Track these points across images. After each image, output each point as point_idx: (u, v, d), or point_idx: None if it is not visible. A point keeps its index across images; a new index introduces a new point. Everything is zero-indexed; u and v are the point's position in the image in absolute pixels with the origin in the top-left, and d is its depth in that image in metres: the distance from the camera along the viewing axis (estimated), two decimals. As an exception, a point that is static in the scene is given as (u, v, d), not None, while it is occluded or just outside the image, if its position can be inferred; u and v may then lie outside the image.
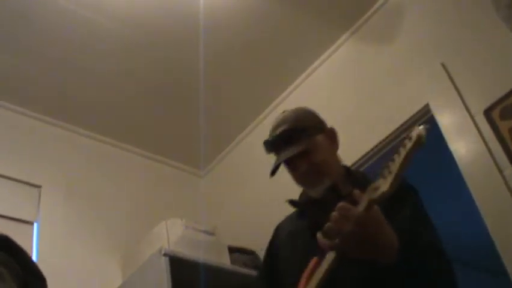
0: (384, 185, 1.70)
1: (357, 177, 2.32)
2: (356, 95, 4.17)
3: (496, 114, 3.21)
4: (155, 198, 4.80)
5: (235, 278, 4.00)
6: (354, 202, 1.76)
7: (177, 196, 4.99)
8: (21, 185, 4.04)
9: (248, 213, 4.55)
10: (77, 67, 4.22)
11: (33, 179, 4.12)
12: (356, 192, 1.76)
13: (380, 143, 3.86)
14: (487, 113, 3.25)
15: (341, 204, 1.75)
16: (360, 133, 3.97)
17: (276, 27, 4.23)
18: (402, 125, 3.77)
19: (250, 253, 4.29)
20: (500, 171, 3.10)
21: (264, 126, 4.80)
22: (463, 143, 3.33)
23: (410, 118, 3.72)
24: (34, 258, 3.72)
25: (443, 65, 3.58)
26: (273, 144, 2.39)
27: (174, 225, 4.00)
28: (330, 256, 1.81)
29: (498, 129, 3.18)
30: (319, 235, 1.80)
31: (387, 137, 3.83)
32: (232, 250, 4.22)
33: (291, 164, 2.35)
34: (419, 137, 1.74)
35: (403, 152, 1.72)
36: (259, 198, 4.36)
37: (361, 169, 3.91)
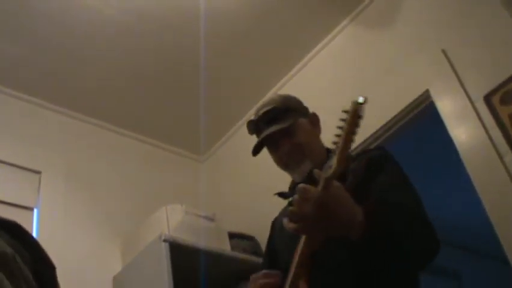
0: (334, 162, 1.70)
1: None
2: (355, 81, 4.16)
3: (496, 99, 3.21)
4: (155, 184, 4.80)
5: (235, 263, 4.01)
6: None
7: (177, 182, 4.99)
8: (21, 170, 4.04)
9: (248, 199, 4.56)
10: (78, 53, 4.22)
11: (33, 165, 4.12)
12: (316, 171, 1.75)
13: (380, 128, 3.85)
14: (487, 98, 3.25)
15: (299, 186, 1.75)
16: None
17: (275, 12, 4.21)
18: (402, 111, 3.77)
19: (250, 239, 4.30)
20: (501, 157, 3.10)
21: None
22: (463, 129, 3.33)
23: (410, 104, 3.72)
24: (34, 244, 3.74)
25: (444, 51, 3.57)
26: (257, 124, 2.44)
27: (174, 211, 4.00)
28: (301, 240, 1.84)
29: (498, 115, 3.17)
30: (284, 221, 1.81)
31: (387, 123, 3.83)
32: (232, 236, 4.22)
33: (274, 144, 2.38)
34: (355, 107, 1.73)
35: (345, 126, 1.72)
36: (259, 184, 4.36)
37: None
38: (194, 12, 4.04)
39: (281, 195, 2.45)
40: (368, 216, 1.73)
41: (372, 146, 3.89)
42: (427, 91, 3.63)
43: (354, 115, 1.72)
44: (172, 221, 3.93)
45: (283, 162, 2.39)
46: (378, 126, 3.85)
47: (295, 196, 1.74)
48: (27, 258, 1.65)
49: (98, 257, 4.10)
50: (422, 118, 3.79)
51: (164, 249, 3.66)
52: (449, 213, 6.22)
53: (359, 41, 4.27)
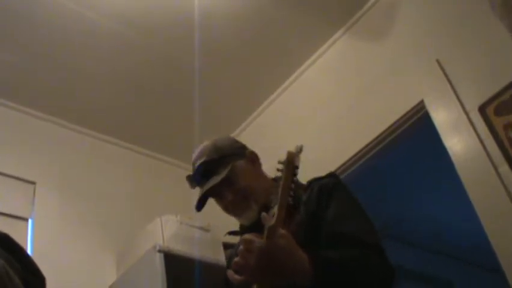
0: (275, 212, 1.70)
1: None
2: (350, 91, 4.17)
3: (490, 110, 3.22)
4: (150, 194, 4.79)
5: (229, 274, 4.00)
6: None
7: (172, 192, 4.98)
8: (15, 181, 4.04)
9: (243, 210, 4.55)
10: (73, 65, 4.22)
11: (27, 176, 4.12)
12: (263, 216, 1.74)
13: (375, 139, 3.86)
14: (482, 109, 3.26)
15: (243, 237, 1.75)
16: (355, 129, 3.98)
17: (271, 23, 4.23)
18: (397, 121, 3.78)
19: (245, 249, 4.29)
20: (495, 167, 3.11)
21: (259, 123, 4.81)
22: (458, 139, 3.34)
23: (405, 114, 3.73)
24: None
25: (438, 62, 3.59)
26: (195, 179, 2.42)
27: (169, 222, 4.00)
28: None
29: (493, 125, 3.18)
30: (229, 272, 1.81)
31: (382, 133, 3.84)
32: (226, 246, 4.22)
33: (217, 195, 2.35)
34: (290, 158, 1.72)
35: (282, 177, 1.71)
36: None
37: (354, 166, 3.93)
38: (189, 23, 4.04)
39: (232, 233, 2.46)
40: (314, 263, 1.72)
41: (365, 157, 3.91)
42: (422, 101, 3.64)
43: (290, 165, 1.71)
44: (167, 231, 3.92)
45: (230, 211, 2.37)
46: (372, 137, 3.86)
47: (240, 247, 1.74)
48: (17, 269, 1.65)
49: (93, 267, 4.09)
50: (416, 128, 3.80)
51: (159, 260, 3.66)
52: (443, 223, 6.23)
53: (354, 51, 4.28)
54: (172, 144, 5.08)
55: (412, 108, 3.70)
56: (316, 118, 4.29)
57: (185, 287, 3.80)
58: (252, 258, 1.69)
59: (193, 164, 2.42)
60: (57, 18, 3.88)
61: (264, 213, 1.74)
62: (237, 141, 2.48)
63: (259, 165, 2.42)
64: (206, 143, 2.46)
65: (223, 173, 2.27)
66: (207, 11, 4.00)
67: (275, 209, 1.70)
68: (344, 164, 3.95)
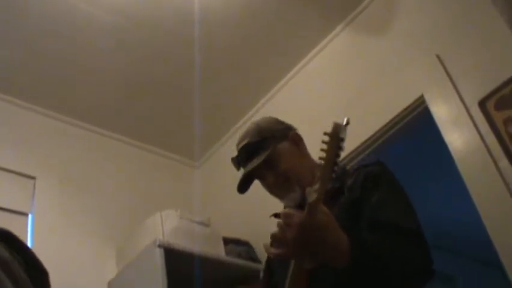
0: (318, 187, 1.67)
1: (337, 173, 2.29)
2: (350, 86, 4.17)
3: (490, 105, 3.22)
4: (150, 189, 4.80)
5: (229, 268, 4.01)
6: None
7: (172, 187, 4.99)
8: (15, 176, 4.04)
9: (243, 204, 4.54)
10: (74, 60, 4.22)
11: (27, 170, 4.12)
12: (307, 191, 1.70)
13: (375, 134, 3.86)
14: (482, 104, 3.26)
15: (283, 211, 1.75)
16: (355, 124, 3.92)
17: (270, 18, 4.22)
18: (396, 116, 3.77)
19: (245, 244, 4.30)
20: (495, 162, 3.10)
21: (259, 118, 4.80)
22: (458, 134, 3.33)
23: (405, 109, 3.73)
24: (29, 249, 3.73)
25: (438, 56, 3.58)
26: (238, 160, 2.42)
27: (169, 217, 4.00)
28: (291, 265, 1.82)
29: (493, 120, 3.18)
30: (264, 245, 1.81)
31: (381, 128, 3.83)
32: (226, 241, 4.22)
33: (260, 177, 2.37)
34: (336, 129, 1.72)
35: (327, 150, 1.70)
36: (254, 189, 4.35)
37: (354, 161, 3.92)
38: (189, 19, 4.04)
39: (277, 215, 2.44)
40: (354, 244, 1.71)
41: (365, 153, 3.90)
42: (422, 96, 3.63)
43: (334, 137, 1.70)
44: (167, 226, 3.92)
45: (273, 193, 2.38)
46: (372, 132, 3.85)
47: (279, 221, 1.73)
48: (21, 264, 1.65)
49: (93, 262, 4.09)
50: (416, 123, 3.79)
51: (159, 255, 3.66)
52: (443, 219, 6.23)
53: (354, 46, 4.28)
54: (172, 138, 5.09)
55: (412, 103, 3.69)
56: (315, 113, 4.29)
57: (185, 282, 3.81)
58: (290, 232, 1.68)
59: (237, 146, 2.44)
60: (57, 13, 3.87)
61: (308, 188, 1.70)
62: (281, 123, 2.50)
63: (304, 146, 2.44)
64: (250, 124, 2.49)
65: (263, 155, 2.29)
66: (207, 4, 3.99)
67: (317, 185, 1.67)
68: (343, 159, 3.95)
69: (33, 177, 4.12)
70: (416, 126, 3.83)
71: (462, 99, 3.38)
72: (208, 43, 4.24)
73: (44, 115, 4.49)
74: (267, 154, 2.29)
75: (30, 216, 3.96)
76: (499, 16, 3.03)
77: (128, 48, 4.23)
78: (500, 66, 3.28)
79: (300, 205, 2.08)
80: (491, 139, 3.16)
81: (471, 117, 3.29)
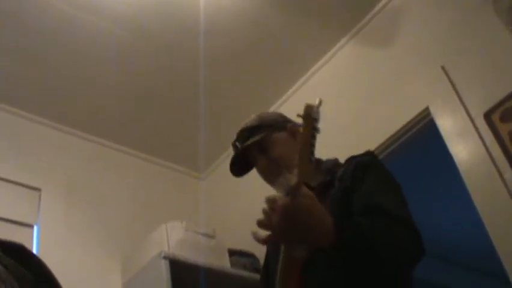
0: (297, 172, 1.72)
1: (327, 167, 2.35)
2: (355, 98, 4.17)
3: (496, 117, 3.22)
4: (156, 201, 4.80)
5: (235, 280, 4.01)
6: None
7: (177, 199, 4.99)
8: (21, 187, 4.05)
9: (248, 216, 4.52)
10: (77, 71, 4.23)
11: (33, 182, 4.13)
12: (287, 176, 1.78)
13: (380, 146, 3.85)
14: (487, 116, 3.25)
15: (267, 196, 1.77)
16: (360, 136, 3.98)
17: (275, 30, 4.23)
18: (402, 128, 3.77)
19: (250, 255, 4.29)
20: (501, 174, 3.10)
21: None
22: (463, 146, 3.33)
23: (410, 121, 3.73)
24: (34, 261, 3.73)
25: (443, 68, 3.58)
26: (234, 144, 2.58)
27: (174, 228, 4.00)
28: (282, 252, 1.86)
29: (498, 132, 3.18)
30: (252, 232, 1.81)
31: (386, 140, 3.83)
32: (232, 253, 4.22)
33: (254, 162, 2.45)
34: (307, 111, 1.77)
35: (301, 134, 1.75)
36: (259, 201, 4.34)
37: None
38: (194, 30, 4.05)
39: None
40: (339, 226, 1.73)
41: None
42: (427, 108, 3.63)
43: (308, 119, 1.75)
44: (172, 238, 3.93)
45: (264, 178, 2.43)
46: (378, 144, 3.85)
47: (264, 206, 1.75)
48: (28, 280, 1.65)
49: (98, 274, 4.09)
50: (421, 135, 3.79)
51: (164, 266, 3.66)
52: (448, 230, 6.22)
53: (358, 59, 4.28)
54: (177, 150, 5.09)
55: (417, 115, 3.69)
56: (320, 126, 4.29)
57: (191, 294, 3.80)
58: (275, 216, 1.70)
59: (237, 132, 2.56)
60: (62, 25, 3.89)
61: (287, 173, 1.77)
62: (284, 117, 2.58)
63: None
64: (253, 115, 2.60)
65: (258, 136, 2.39)
66: (212, 17, 4.00)
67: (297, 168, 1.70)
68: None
69: (38, 189, 4.13)
70: (422, 138, 3.83)
71: (467, 111, 3.37)
72: (212, 55, 4.25)
73: (49, 127, 4.49)
74: (261, 136, 2.39)
75: (35, 227, 3.96)
76: (504, 28, 3.05)
77: (134, 60, 4.24)
78: (505, 78, 3.28)
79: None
80: (496, 151, 3.16)
81: (476, 129, 3.29)
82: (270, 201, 1.74)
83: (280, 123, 2.51)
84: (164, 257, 3.70)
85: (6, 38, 3.91)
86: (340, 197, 2.07)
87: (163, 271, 3.64)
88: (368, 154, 2.32)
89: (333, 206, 2.00)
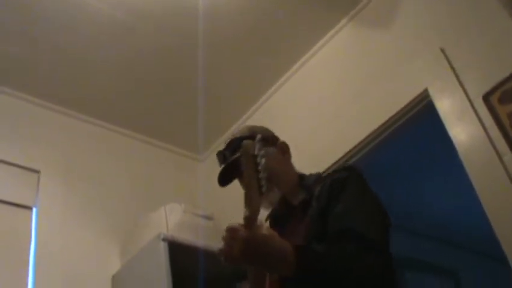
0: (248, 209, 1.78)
1: (308, 184, 2.35)
2: (354, 80, 4.17)
3: (495, 98, 3.21)
4: (154, 183, 4.80)
5: (234, 263, 4.01)
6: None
7: (176, 181, 4.99)
8: (19, 169, 4.05)
9: (247, 198, 4.55)
10: (77, 53, 4.22)
11: (32, 164, 4.12)
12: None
13: (379, 128, 3.85)
14: (486, 97, 3.25)
15: (228, 226, 1.83)
16: (358, 119, 3.98)
17: (274, 13, 4.22)
18: (401, 110, 3.76)
19: (249, 238, 4.29)
20: (500, 156, 3.10)
21: (263, 112, 4.81)
22: (462, 128, 3.33)
23: (409, 103, 3.72)
24: (33, 243, 3.75)
25: (442, 50, 3.57)
26: (223, 155, 2.52)
27: (173, 210, 4.00)
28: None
29: (497, 114, 3.18)
30: (217, 252, 1.87)
31: (385, 122, 3.83)
32: (230, 235, 4.22)
33: (240, 174, 2.38)
34: (245, 149, 1.77)
35: (244, 173, 1.77)
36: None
37: (358, 155, 3.93)
38: (193, 12, 4.03)
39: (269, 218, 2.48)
40: (298, 254, 1.78)
41: (369, 147, 3.91)
42: (426, 90, 3.62)
43: (246, 155, 1.76)
44: (171, 220, 3.93)
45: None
46: (376, 125, 3.85)
47: (224, 235, 1.83)
48: None
49: (97, 256, 4.10)
50: (421, 117, 3.79)
51: (163, 248, 3.67)
52: (447, 212, 6.22)
53: (357, 40, 4.27)
54: (176, 132, 5.09)
55: (416, 97, 3.69)
56: (320, 107, 4.29)
57: (190, 276, 3.81)
58: (236, 245, 1.76)
59: (225, 142, 2.53)
60: (60, 6, 3.87)
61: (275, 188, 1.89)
62: (269, 131, 2.58)
63: (289, 157, 2.51)
64: (241, 126, 2.60)
65: None
66: (210, 1, 3.99)
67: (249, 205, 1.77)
68: (347, 153, 3.95)
69: (37, 171, 4.13)
70: (420, 120, 3.83)
71: (466, 93, 3.37)
72: (211, 37, 4.24)
73: (47, 108, 4.48)
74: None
75: (34, 209, 3.96)
76: (503, 10, 3.04)
77: (133, 42, 4.23)
78: (504, 60, 3.28)
79: (276, 212, 2.37)
80: (495, 133, 3.16)
81: (475, 111, 3.29)
82: (231, 230, 1.81)
83: (271, 137, 2.52)
84: (163, 239, 3.71)
85: (2, 20, 3.89)
86: (317, 217, 2.09)
87: (162, 253, 3.65)
88: (346, 169, 2.32)
89: (312, 226, 2.07)
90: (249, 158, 1.74)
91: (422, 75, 3.67)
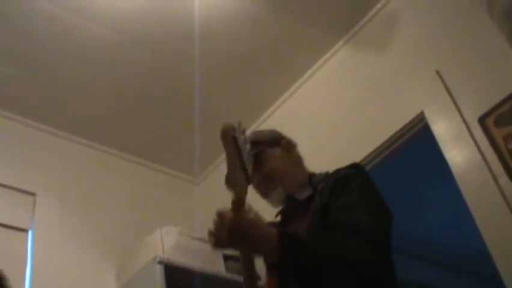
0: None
1: (315, 181, 2.41)
2: (350, 102, 4.18)
3: (490, 121, 3.22)
4: (150, 206, 4.79)
5: (230, 285, 4.00)
6: None
7: (172, 203, 4.98)
8: (15, 192, 4.04)
9: (243, 221, 4.55)
10: (72, 76, 4.22)
11: (27, 187, 4.11)
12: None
13: (375, 150, 3.86)
14: (482, 120, 3.26)
15: (217, 210, 1.90)
16: (354, 141, 3.98)
17: (270, 35, 4.24)
18: (397, 133, 3.78)
19: (245, 260, 4.28)
20: (495, 178, 3.11)
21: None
22: (458, 150, 3.34)
23: (405, 126, 3.73)
24: (29, 266, 3.74)
25: (438, 73, 3.59)
26: None
27: (169, 233, 3.99)
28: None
29: (493, 136, 3.19)
30: (208, 233, 1.96)
31: (381, 145, 3.84)
32: (226, 258, 4.21)
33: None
34: (222, 131, 1.81)
35: (226, 156, 1.82)
36: (252, 206, 4.34)
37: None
38: (188, 35, 4.05)
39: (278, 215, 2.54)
40: (282, 239, 1.84)
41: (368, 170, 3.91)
42: (422, 113, 3.64)
43: (225, 138, 1.80)
44: (167, 242, 3.92)
45: (258, 192, 2.51)
46: (372, 148, 3.86)
47: (214, 218, 1.90)
48: None
49: (93, 279, 4.08)
50: (416, 140, 3.80)
51: (159, 271, 3.65)
52: (443, 234, 6.22)
53: (353, 63, 4.29)
54: (172, 155, 5.09)
55: (412, 120, 3.70)
56: (315, 129, 4.29)
57: (186, 299, 3.80)
58: (223, 229, 1.85)
59: None
60: (57, 30, 3.88)
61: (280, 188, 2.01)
62: (278, 133, 2.65)
63: (296, 155, 2.59)
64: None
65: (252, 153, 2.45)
66: (206, 22, 4.01)
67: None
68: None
69: (33, 194, 4.12)
70: (416, 142, 3.84)
71: (462, 115, 3.38)
72: (207, 59, 4.25)
73: (43, 131, 4.48)
74: (255, 152, 2.41)
75: (30, 232, 3.95)
76: (498, 32, 3.05)
77: (128, 64, 4.23)
78: (500, 82, 3.29)
79: (283, 205, 2.44)
80: (491, 155, 3.17)
81: (471, 133, 3.30)
82: (219, 215, 1.88)
83: (274, 139, 2.58)
84: (159, 262, 3.69)
85: (2, 42, 3.90)
86: (319, 211, 2.16)
87: (158, 276, 3.63)
88: (352, 167, 2.38)
89: (314, 220, 2.14)
90: (229, 140, 1.78)
91: (417, 98, 3.68)
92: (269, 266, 1.91)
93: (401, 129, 3.75)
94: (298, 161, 2.57)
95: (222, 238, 1.85)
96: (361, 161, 3.88)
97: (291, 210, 2.39)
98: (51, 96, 4.33)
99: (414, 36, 3.90)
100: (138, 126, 4.75)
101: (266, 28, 4.18)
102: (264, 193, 2.47)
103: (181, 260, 3.83)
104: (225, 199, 4.81)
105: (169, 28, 4.03)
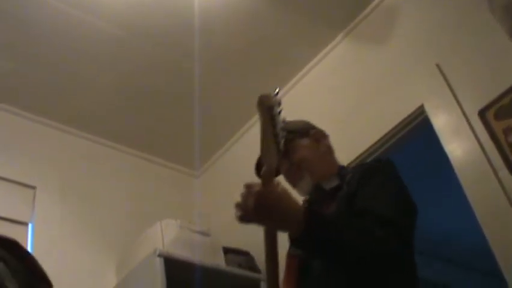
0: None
1: (346, 171, 2.43)
2: (350, 95, 4.17)
3: (490, 114, 3.22)
4: (150, 199, 4.80)
5: (230, 278, 4.00)
6: None
7: (172, 197, 4.98)
8: (15, 185, 4.05)
9: (243, 214, 4.54)
10: (72, 69, 4.23)
11: (27, 180, 4.12)
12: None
13: (375, 144, 3.85)
14: (482, 113, 3.26)
15: (246, 183, 1.90)
16: (354, 134, 3.98)
17: (270, 28, 4.23)
18: (396, 126, 3.77)
19: (245, 254, 4.29)
20: (495, 171, 3.10)
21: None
22: (458, 143, 3.34)
23: (405, 119, 3.73)
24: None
25: (438, 66, 3.58)
26: None
27: (169, 226, 3.99)
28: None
29: (493, 129, 3.18)
30: (236, 213, 1.96)
31: (381, 138, 3.83)
32: (226, 251, 4.21)
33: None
34: (259, 100, 1.91)
35: (261, 127, 1.89)
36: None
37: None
38: (189, 29, 4.05)
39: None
40: (308, 215, 1.84)
41: (368, 160, 3.90)
42: (422, 106, 3.63)
43: (262, 107, 1.89)
44: (167, 236, 3.92)
45: (287, 181, 2.49)
46: (372, 141, 3.85)
47: (242, 191, 1.90)
48: (20, 273, 1.67)
49: (93, 272, 4.09)
50: (416, 133, 3.80)
51: (159, 264, 3.65)
52: (443, 228, 6.22)
53: (354, 56, 4.28)
54: (172, 148, 5.09)
55: (412, 113, 3.70)
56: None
57: (186, 292, 3.80)
58: (250, 200, 1.85)
59: None
60: (58, 24, 3.89)
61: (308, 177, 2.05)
62: (307, 123, 2.70)
63: (326, 145, 2.60)
64: None
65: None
66: (206, 15, 4.00)
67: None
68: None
69: (33, 187, 4.13)
70: (416, 136, 3.83)
71: (462, 108, 3.38)
72: (208, 53, 4.25)
73: (43, 124, 4.49)
74: (284, 141, 2.43)
75: (30, 225, 3.96)
76: (498, 26, 3.05)
77: (128, 58, 4.24)
78: (500, 75, 3.28)
79: (310, 194, 2.43)
80: (491, 148, 3.16)
81: (471, 126, 3.29)
82: (247, 186, 1.88)
83: (304, 129, 2.61)
84: (159, 255, 3.69)
85: (3, 36, 3.91)
86: (347, 201, 2.16)
87: (158, 269, 3.63)
88: (379, 161, 2.46)
89: (340, 208, 2.16)
90: (264, 109, 1.84)
91: (417, 91, 3.68)
92: (292, 240, 1.91)
93: (401, 123, 3.75)
94: (328, 151, 2.58)
95: (249, 211, 1.86)
96: (361, 154, 3.88)
97: (317, 198, 2.39)
98: (52, 90, 4.34)
99: (415, 29, 3.90)
100: (138, 120, 4.75)
101: (266, 22, 4.18)
102: (293, 182, 2.47)
103: (181, 253, 3.83)
104: (224, 192, 4.83)
105: (170, 22, 4.03)
